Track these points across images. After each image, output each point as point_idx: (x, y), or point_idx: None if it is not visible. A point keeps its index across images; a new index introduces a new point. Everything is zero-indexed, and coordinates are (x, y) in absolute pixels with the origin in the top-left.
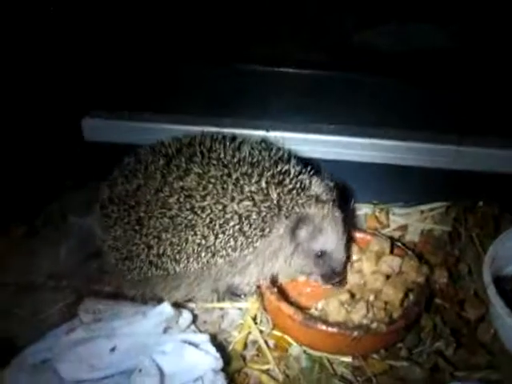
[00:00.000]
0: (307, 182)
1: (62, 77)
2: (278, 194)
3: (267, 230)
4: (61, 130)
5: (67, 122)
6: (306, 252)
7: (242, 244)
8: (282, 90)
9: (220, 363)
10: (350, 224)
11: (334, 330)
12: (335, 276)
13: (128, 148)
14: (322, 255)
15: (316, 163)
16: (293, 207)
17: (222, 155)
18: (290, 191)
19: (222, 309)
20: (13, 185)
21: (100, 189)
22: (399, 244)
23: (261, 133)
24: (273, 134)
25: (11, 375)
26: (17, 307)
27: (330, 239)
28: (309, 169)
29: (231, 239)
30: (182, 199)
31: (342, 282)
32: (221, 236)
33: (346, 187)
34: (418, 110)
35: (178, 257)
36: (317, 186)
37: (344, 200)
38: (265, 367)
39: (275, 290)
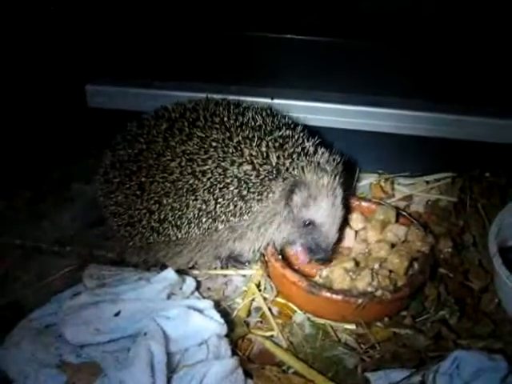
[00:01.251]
0: (311, 149)
1: (65, 43)
2: (278, 158)
3: (265, 193)
4: (65, 95)
5: (71, 88)
6: (296, 219)
7: (241, 209)
8: (287, 58)
9: (224, 328)
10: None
11: (339, 297)
12: (320, 251)
13: (132, 115)
14: (309, 225)
15: (328, 139)
16: (292, 170)
17: (225, 119)
18: (290, 155)
19: (225, 276)
20: (18, 151)
21: (103, 155)
22: (404, 213)
23: (265, 100)
24: (278, 102)
25: (15, 339)
26: (22, 272)
27: (321, 211)
28: (316, 138)
29: (231, 204)
30: (183, 163)
31: (327, 260)
32: (221, 201)
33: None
34: (424, 79)
35: (179, 222)
36: (321, 156)
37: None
38: (268, 334)
39: (280, 257)
